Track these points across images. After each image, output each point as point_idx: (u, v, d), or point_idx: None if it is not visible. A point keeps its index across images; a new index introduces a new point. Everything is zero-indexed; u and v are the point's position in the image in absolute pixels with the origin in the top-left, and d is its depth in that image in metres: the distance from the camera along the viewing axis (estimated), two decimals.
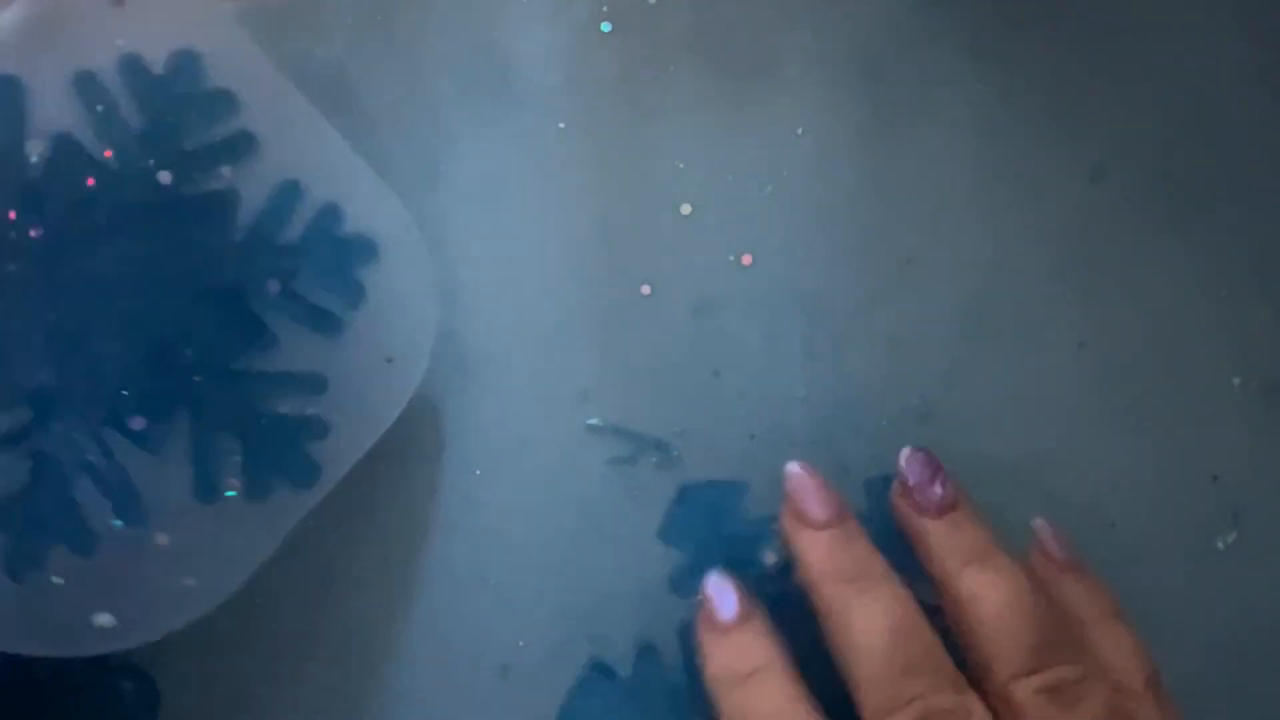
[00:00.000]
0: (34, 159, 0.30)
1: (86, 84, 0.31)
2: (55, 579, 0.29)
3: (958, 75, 0.36)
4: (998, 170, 0.36)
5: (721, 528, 0.32)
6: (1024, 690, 0.27)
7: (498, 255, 0.37)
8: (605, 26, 0.37)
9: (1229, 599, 0.36)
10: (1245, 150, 0.36)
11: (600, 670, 0.32)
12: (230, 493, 0.30)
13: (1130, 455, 0.35)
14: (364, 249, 0.32)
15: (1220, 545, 0.35)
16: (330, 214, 0.32)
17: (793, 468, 0.30)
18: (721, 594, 0.29)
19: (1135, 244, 0.36)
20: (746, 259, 0.36)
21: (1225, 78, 0.36)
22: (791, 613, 0.30)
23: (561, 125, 0.37)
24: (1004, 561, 0.29)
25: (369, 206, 0.32)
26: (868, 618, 0.27)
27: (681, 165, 0.37)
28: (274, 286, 0.32)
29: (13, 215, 0.29)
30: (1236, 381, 0.35)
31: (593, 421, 0.36)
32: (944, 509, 0.29)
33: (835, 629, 0.28)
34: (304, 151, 0.32)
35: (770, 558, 0.31)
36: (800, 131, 0.36)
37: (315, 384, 0.32)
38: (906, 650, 0.27)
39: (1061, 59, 0.36)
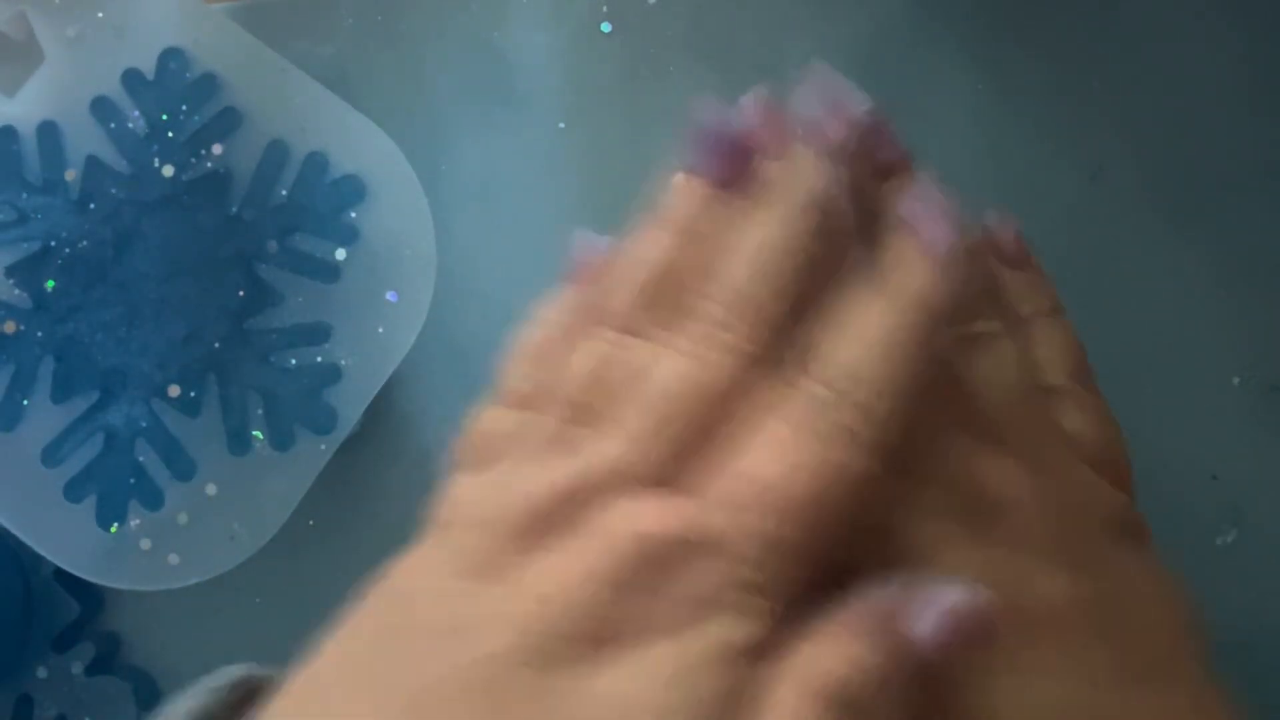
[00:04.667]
0: (72, 183, 0.34)
1: (101, 107, 0.34)
2: (135, 527, 0.33)
3: (957, 76, 0.36)
4: (998, 170, 0.36)
5: None
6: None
7: (498, 255, 0.37)
8: (605, 26, 0.37)
9: (1229, 598, 0.36)
10: (1245, 150, 0.36)
11: None
12: (257, 433, 0.34)
13: (1130, 455, 0.35)
14: (352, 190, 0.34)
15: (1220, 544, 0.35)
16: (316, 163, 0.34)
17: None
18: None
19: (1135, 244, 0.35)
20: None
21: (1224, 78, 0.36)
22: None
23: (561, 125, 0.37)
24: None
25: (355, 146, 0.34)
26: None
27: None
28: (273, 246, 0.34)
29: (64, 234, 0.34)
30: (1236, 381, 0.35)
31: None
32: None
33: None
34: (286, 109, 0.34)
35: None
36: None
37: (321, 333, 0.34)
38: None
39: (1061, 59, 0.36)
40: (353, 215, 0.34)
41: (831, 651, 0.19)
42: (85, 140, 0.34)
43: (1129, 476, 0.27)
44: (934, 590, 0.19)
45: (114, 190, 0.34)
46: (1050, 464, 0.25)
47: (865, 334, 0.21)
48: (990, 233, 0.30)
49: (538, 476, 0.20)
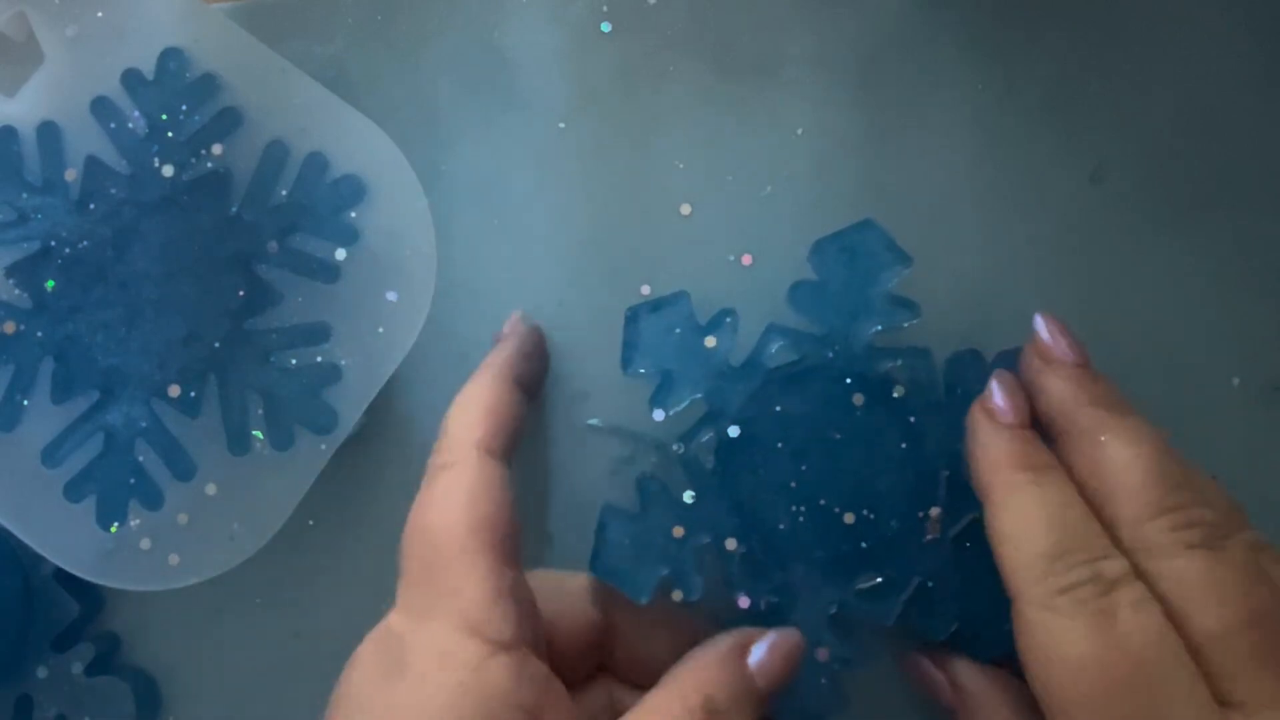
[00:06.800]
0: (72, 183, 0.34)
1: (100, 107, 0.34)
2: (135, 527, 0.33)
3: (957, 75, 0.36)
4: (998, 170, 0.36)
5: (682, 339, 0.32)
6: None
7: (497, 255, 0.37)
8: (605, 26, 0.37)
9: None
10: (1245, 150, 0.36)
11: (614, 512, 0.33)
12: (257, 433, 0.34)
13: None
14: (352, 190, 0.34)
15: None
16: (316, 163, 0.34)
17: (1039, 317, 0.32)
18: (1011, 394, 0.31)
19: (1135, 244, 0.36)
20: (746, 259, 0.36)
21: (1225, 78, 0.36)
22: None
23: (561, 125, 0.37)
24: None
25: (355, 146, 0.34)
26: (1131, 438, 0.29)
27: (681, 165, 0.37)
28: (273, 246, 0.34)
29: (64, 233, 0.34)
30: (1236, 381, 0.35)
31: (593, 421, 0.36)
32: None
33: (1094, 448, 0.29)
34: (286, 109, 0.34)
35: (711, 340, 0.32)
36: (800, 131, 0.36)
37: (321, 333, 0.34)
38: (1173, 468, 0.29)
39: (1061, 59, 0.36)
40: (353, 215, 0.34)
41: (704, 674, 0.27)
42: (85, 140, 0.34)
43: None
44: (761, 631, 0.29)
45: (114, 190, 0.34)
46: None
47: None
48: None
49: None
